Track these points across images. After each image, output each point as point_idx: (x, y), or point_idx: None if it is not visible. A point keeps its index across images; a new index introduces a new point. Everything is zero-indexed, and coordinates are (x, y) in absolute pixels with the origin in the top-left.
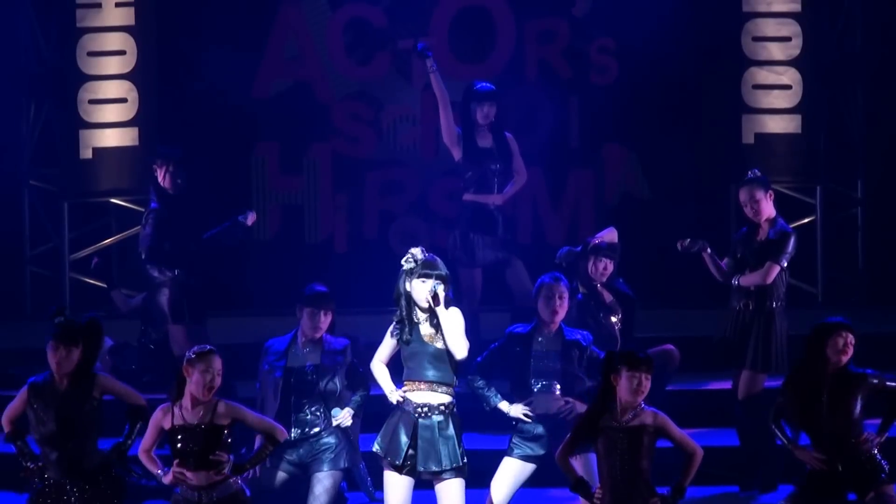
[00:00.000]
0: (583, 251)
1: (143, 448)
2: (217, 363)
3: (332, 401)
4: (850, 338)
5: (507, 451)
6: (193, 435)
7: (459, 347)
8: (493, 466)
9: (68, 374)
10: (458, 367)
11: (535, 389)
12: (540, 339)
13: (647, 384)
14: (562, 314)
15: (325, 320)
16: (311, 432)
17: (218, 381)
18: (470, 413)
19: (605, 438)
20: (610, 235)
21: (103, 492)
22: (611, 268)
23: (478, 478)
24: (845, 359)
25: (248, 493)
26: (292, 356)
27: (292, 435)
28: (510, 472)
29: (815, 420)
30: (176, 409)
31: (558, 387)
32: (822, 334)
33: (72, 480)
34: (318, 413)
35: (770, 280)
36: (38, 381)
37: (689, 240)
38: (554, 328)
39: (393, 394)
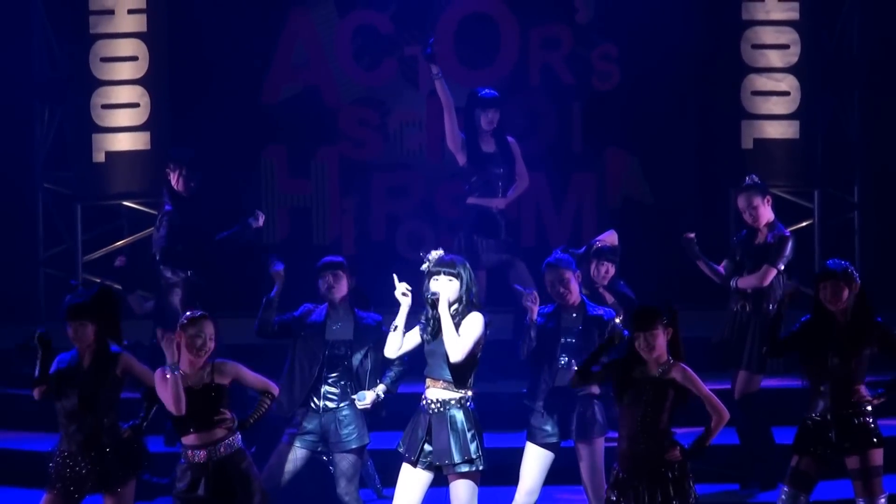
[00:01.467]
0: (585, 254)
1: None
2: (209, 328)
3: (364, 376)
4: (830, 286)
5: (528, 437)
6: (194, 397)
7: (453, 352)
8: (511, 463)
9: (90, 350)
10: (467, 370)
11: (560, 365)
12: (564, 315)
13: (659, 340)
14: (570, 296)
15: (337, 283)
16: (339, 406)
17: (211, 345)
18: (488, 412)
19: (632, 389)
20: (611, 238)
21: (118, 467)
22: (612, 271)
23: (497, 475)
24: (838, 307)
25: (250, 450)
26: (328, 330)
27: (319, 405)
28: (532, 458)
29: (819, 364)
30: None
31: (574, 364)
32: (814, 282)
33: (89, 455)
34: (347, 387)
35: (766, 283)
36: (66, 357)
37: (693, 235)
38: (573, 306)
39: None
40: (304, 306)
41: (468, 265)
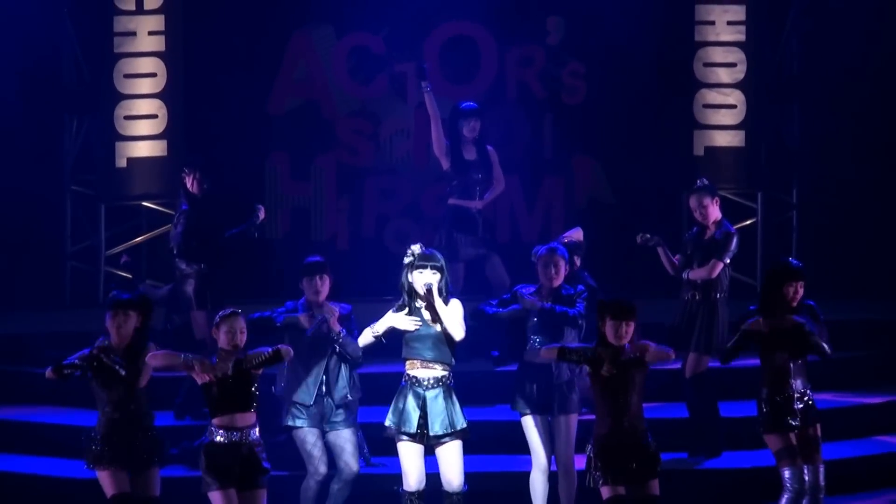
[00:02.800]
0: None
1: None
2: (240, 323)
3: (350, 362)
4: (798, 285)
5: (521, 414)
6: (226, 384)
7: (457, 332)
8: (483, 433)
9: (127, 340)
10: (456, 349)
11: (537, 345)
12: (542, 296)
13: (629, 329)
14: (559, 280)
15: (322, 284)
16: (333, 391)
17: (242, 337)
18: (465, 388)
19: (600, 382)
20: (577, 234)
21: (145, 448)
22: (578, 262)
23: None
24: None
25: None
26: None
27: (314, 392)
28: (532, 430)
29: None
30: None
31: (538, 343)
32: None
33: (123, 436)
34: (337, 374)
35: (715, 274)
36: (103, 345)
37: (648, 234)
38: (553, 288)
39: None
40: (288, 305)
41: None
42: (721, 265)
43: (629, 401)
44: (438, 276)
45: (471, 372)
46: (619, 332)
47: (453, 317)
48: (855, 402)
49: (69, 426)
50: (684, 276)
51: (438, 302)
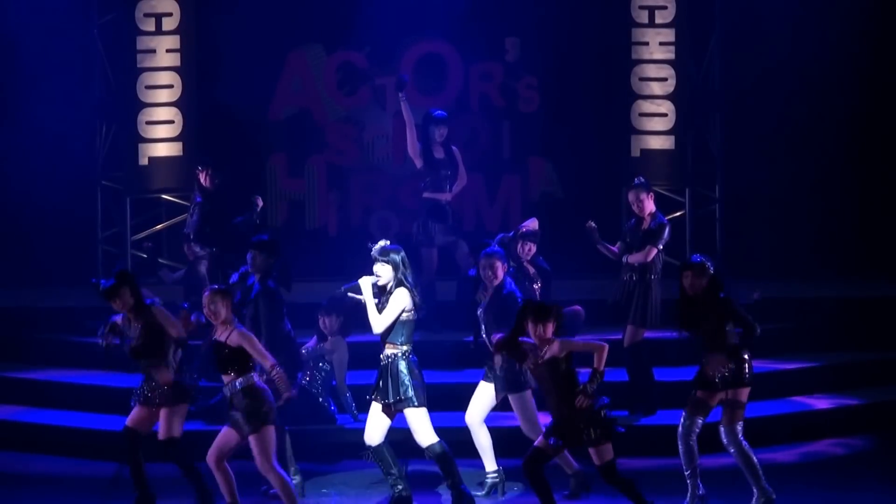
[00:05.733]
0: (513, 237)
1: None
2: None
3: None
4: (689, 274)
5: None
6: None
7: (374, 325)
8: (451, 395)
9: (132, 309)
10: (407, 332)
11: (483, 336)
12: (482, 295)
13: (548, 330)
14: (496, 280)
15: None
16: None
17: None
18: (433, 356)
19: (534, 376)
20: (532, 224)
21: (171, 394)
22: (533, 249)
23: (440, 403)
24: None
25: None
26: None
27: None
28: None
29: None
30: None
31: (484, 334)
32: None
33: (151, 386)
34: None
35: (650, 259)
36: (119, 320)
37: (594, 224)
38: (490, 290)
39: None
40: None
41: (402, 251)
42: (655, 251)
43: (558, 389)
44: (389, 269)
45: (440, 342)
46: (538, 332)
47: (373, 310)
48: (774, 367)
49: (106, 387)
50: (624, 260)
51: (367, 295)
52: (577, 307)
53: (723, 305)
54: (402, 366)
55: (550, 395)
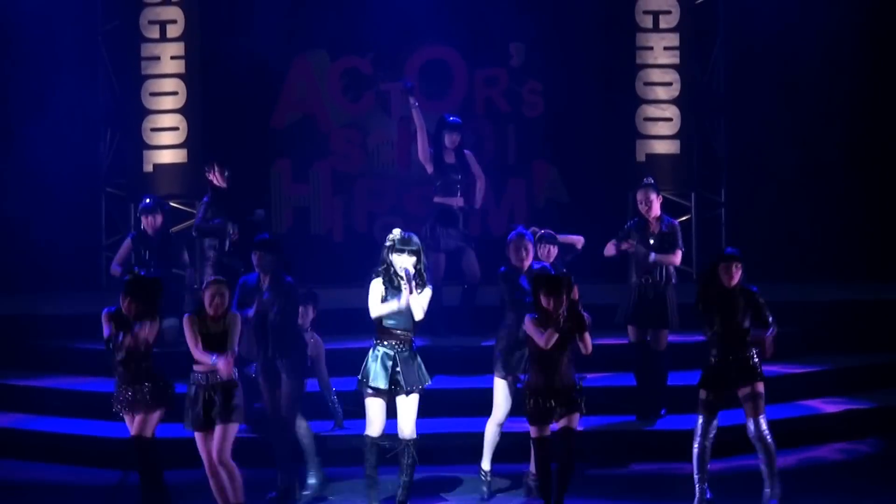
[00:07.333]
0: (536, 241)
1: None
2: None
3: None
4: (738, 266)
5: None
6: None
7: (418, 314)
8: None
9: (133, 313)
10: (416, 324)
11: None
12: (513, 277)
13: (561, 302)
14: (528, 261)
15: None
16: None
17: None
18: (438, 360)
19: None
20: (574, 239)
21: (150, 395)
22: (554, 252)
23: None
24: (732, 282)
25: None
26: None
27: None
28: (501, 390)
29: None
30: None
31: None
32: (715, 261)
33: (134, 386)
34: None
35: (679, 261)
36: (112, 311)
37: (627, 243)
38: (524, 270)
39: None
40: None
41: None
42: (681, 252)
43: (568, 358)
44: (415, 258)
45: (447, 346)
46: (551, 304)
47: (418, 301)
48: (782, 371)
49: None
50: (651, 258)
51: (414, 292)
52: (578, 237)
53: (755, 298)
54: (413, 353)
55: (544, 361)
